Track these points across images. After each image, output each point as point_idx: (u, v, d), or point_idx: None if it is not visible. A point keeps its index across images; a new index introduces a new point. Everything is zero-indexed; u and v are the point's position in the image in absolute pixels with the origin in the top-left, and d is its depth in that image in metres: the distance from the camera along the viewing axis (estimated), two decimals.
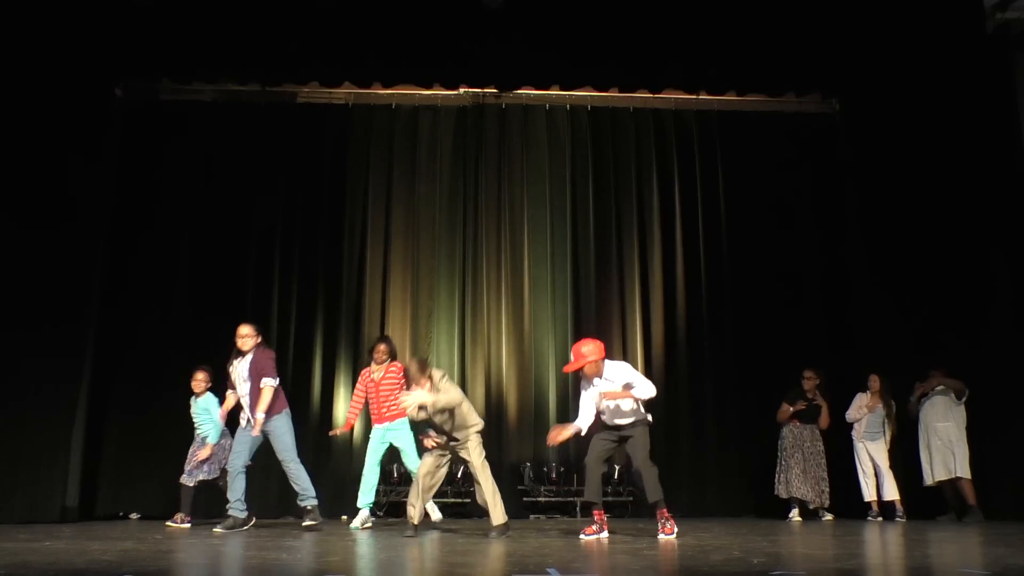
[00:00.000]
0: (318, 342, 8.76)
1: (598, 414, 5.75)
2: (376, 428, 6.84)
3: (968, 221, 7.90)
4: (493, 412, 8.74)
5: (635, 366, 8.76)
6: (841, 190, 9.04)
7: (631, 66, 8.55)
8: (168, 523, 7.00)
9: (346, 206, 9.08)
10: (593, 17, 8.21)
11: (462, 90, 9.17)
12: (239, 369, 6.53)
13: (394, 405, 6.66)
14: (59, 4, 7.84)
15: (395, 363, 6.96)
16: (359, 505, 6.80)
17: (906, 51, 8.19)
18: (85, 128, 8.05)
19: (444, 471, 5.97)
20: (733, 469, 8.67)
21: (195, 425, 7.27)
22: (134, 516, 8.12)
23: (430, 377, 5.70)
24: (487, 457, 5.89)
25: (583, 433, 5.73)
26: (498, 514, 5.74)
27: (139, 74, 8.60)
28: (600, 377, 5.64)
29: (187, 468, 7.12)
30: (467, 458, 5.84)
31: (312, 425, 8.48)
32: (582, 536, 5.60)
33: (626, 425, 5.68)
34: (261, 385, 6.37)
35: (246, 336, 6.54)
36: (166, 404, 8.26)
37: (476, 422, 5.85)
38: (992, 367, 7.56)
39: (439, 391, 5.65)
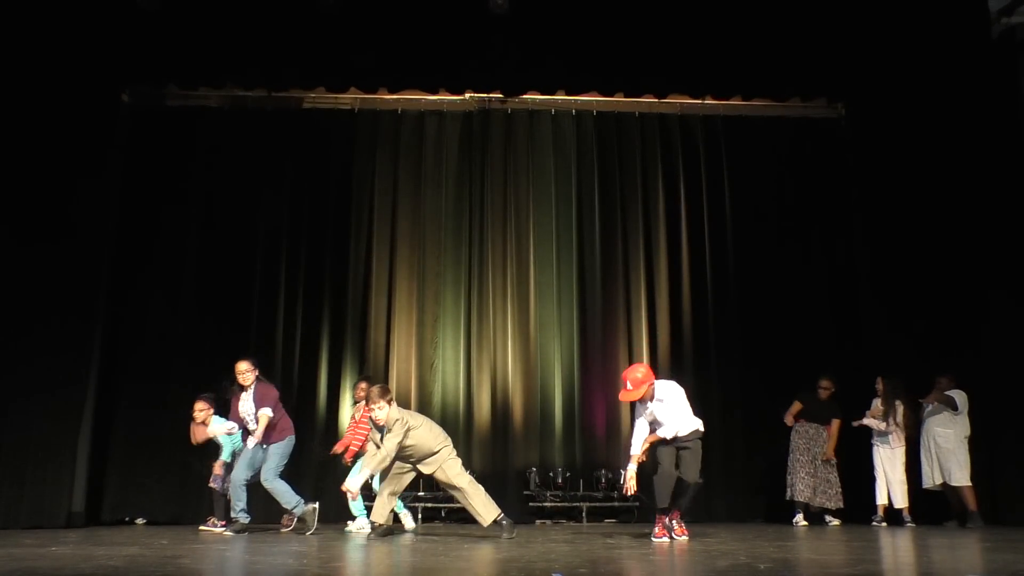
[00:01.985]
0: (324, 348, 8.75)
1: (655, 432, 5.98)
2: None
3: (973, 225, 7.90)
4: (499, 418, 8.75)
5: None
6: (847, 194, 9.00)
7: (636, 71, 8.54)
8: (201, 527, 7.19)
9: (352, 212, 9.08)
10: (598, 22, 8.21)
11: (467, 95, 9.16)
12: (245, 406, 6.94)
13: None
14: (66, 10, 7.90)
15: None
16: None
17: (912, 56, 8.17)
18: (92, 133, 8.08)
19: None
20: (740, 474, 8.64)
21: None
22: (140, 521, 8.11)
23: (389, 403, 6.12)
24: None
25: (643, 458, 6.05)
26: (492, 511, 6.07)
27: (146, 80, 8.61)
28: (652, 400, 5.94)
29: (215, 475, 7.31)
30: (446, 480, 6.16)
31: (318, 432, 8.49)
32: (655, 539, 5.75)
33: (685, 437, 5.93)
34: (259, 415, 6.81)
35: (245, 372, 6.95)
36: (172, 409, 8.25)
37: (441, 445, 6.22)
38: (998, 371, 7.55)
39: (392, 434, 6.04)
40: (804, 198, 9.18)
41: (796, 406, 8.15)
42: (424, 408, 8.74)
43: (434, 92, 8.99)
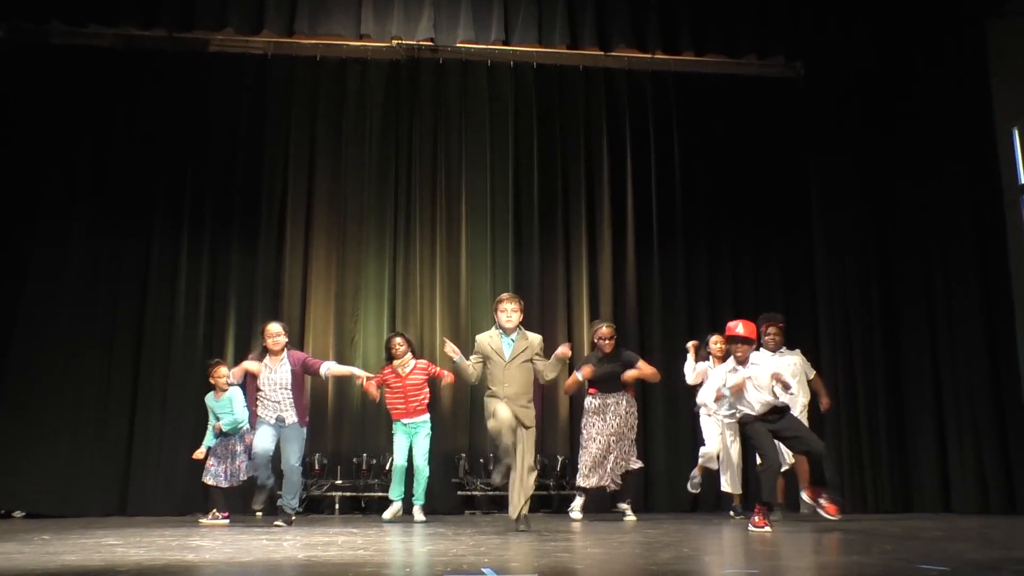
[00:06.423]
0: (231, 320, 8.54)
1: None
2: (400, 423, 7.41)
3: (932, 194, 8.18)
4: None
5: (581, 346, 8.85)
6: (802, 158, 9.11)
7: (579, 21, 8.50)
8: (202, 519, 7.12)
9: (264, 169, 8.87)
10: None
11: (394, 42, 8.96)
12: (273, 376, 6.72)
13: (420, 401, 7.40)
14: None
15: (420, 359, 7.63)
16: (391, 497, 7.34)
17: (874, 15, 8.35)
18: None
19: None
20: (684, 462, 8.69)
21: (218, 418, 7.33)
22: (18, 514, 7.85)
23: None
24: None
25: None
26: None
27: (25, 14, 8.23)
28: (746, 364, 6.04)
29: (214, 469, 7.18)
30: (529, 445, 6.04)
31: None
32: (755, 528, 5.74)
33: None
34: (324, 372, 6.84)
35: (277, 335, 6.77)
36: (55, 389, 8.04)
37: None
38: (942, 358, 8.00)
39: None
40: (758, 159, 9.29)
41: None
42: (343, 386, 8.63)
43: (357, 37, 8.77)
